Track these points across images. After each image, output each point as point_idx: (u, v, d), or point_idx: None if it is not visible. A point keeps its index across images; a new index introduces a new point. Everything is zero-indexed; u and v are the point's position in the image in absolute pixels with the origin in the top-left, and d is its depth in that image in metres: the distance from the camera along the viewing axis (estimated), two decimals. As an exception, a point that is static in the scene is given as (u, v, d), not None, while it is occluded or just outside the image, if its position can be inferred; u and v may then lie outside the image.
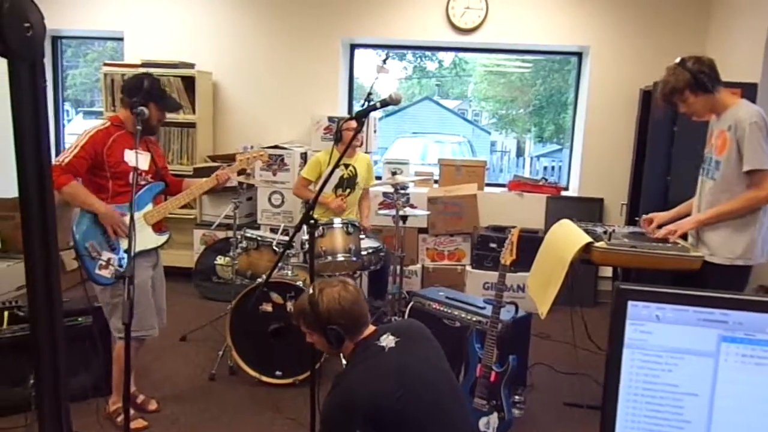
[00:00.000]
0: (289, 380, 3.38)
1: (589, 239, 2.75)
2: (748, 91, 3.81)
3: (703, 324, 0.86)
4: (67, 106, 7.39)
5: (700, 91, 2.66)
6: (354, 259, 3.62)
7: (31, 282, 0.73)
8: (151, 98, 2.82)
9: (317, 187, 2.99)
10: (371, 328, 1.99)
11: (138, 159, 2.58)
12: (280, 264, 3.44)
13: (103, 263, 2.80)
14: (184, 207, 3.32)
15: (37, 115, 0.67)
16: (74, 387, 3.02)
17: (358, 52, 5.77)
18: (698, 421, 0.88)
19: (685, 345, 0.87)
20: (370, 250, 3.80)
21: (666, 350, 0.87)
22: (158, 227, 2.98)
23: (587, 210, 5.10)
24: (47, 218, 0.72)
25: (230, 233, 3.95)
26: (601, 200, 5.23)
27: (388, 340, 1.91)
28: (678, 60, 2.72)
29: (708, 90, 2.65)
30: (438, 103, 16.54)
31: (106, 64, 5.38)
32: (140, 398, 3.14)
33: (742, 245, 2.61)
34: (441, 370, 1.96)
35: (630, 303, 0.87)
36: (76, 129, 8.44)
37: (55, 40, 5.97)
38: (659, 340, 0.87)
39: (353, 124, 3.26)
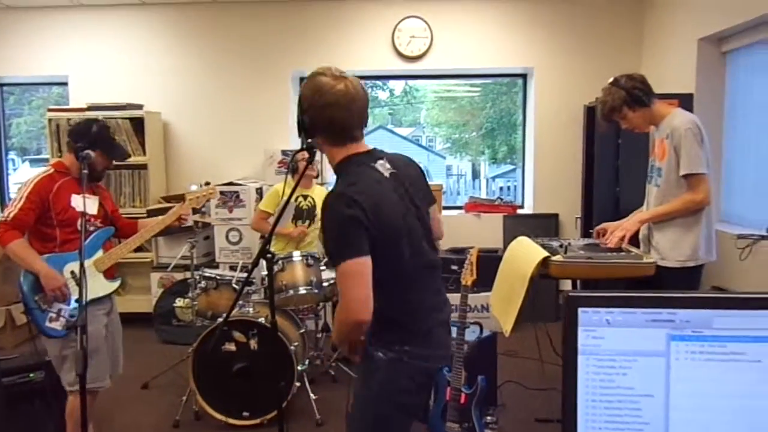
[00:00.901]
0: (257, 420, 3.29)
1: (546, 254, 2.78)
2: (685, 102, 3.96)
3: (651, 325, 0.87)
4: (12, 155, 7.16)
5: (636, 106, 2.79)
6: (316, 291, 3.58)
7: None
8: (98, 145, 2.74)
9: (273, 219, 2.96)
10: (364, 144, 1.90)
11: (86, 204, 2.52)
12: (240, 302, 3.37)
13: (54, 315, 2.69)
14: (139, 250, 3.23)
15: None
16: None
17: (308, 84, 5.80)
18: (656, 422, 0.89)
19: (636, 347, 0.88)
20: (332, 281, 3.76)
21: (619, 353, 0.89)
22: (109, 273, 2.89)
23: (543, 226, 5.20)
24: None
25: (188, 274, 3.86)
26: (556, 215, 5.35)
27: (385, 168, 1.86)
28: (611, 80, 2.85)
29: (644, 104, 2.79)
30: (392, 131, 16.69)
31: (50, 110, 5.22)
32: (100, 453, 3.00)
33: (689, 247, 2.72)
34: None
35: (580, 310, 0.88)
36: (23, 178, 8.17)
37: (-4, 88, 5.82)
38: (611, 344, 0.89)
39: (306, 154, 3.26)
